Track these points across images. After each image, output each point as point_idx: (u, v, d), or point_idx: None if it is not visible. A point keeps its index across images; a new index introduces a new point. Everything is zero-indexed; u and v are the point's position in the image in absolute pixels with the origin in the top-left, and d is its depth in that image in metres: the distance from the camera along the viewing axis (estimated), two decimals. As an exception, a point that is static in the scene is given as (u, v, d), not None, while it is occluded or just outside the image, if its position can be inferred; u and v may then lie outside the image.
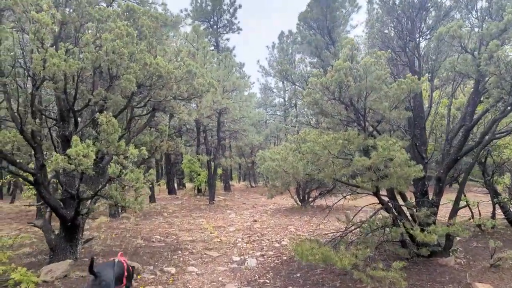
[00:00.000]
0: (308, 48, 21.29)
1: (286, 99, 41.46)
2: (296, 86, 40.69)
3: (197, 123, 25.98)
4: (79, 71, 7.24)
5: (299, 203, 17.85)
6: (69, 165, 6.28)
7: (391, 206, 7.67)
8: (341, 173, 6.44)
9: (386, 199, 7.94)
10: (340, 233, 8.13)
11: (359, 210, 8.46)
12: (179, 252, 9.85)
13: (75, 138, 6.41)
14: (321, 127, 8.41)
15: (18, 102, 7.20)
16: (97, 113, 7.15)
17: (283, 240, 10.96)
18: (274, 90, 42.75)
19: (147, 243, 10.79)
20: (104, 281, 5.26)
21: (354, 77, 6.51)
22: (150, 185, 19.33)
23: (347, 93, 6.69)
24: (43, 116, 8.60)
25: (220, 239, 11.31)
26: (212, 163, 24.32)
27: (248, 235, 11.84)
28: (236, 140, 25.28)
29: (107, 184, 7.24)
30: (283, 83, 41.54)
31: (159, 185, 32.82)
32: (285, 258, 9.03)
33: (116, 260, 5.85)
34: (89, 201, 8.10)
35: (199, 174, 25.48)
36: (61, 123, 8.56)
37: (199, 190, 27.18)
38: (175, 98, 9.50)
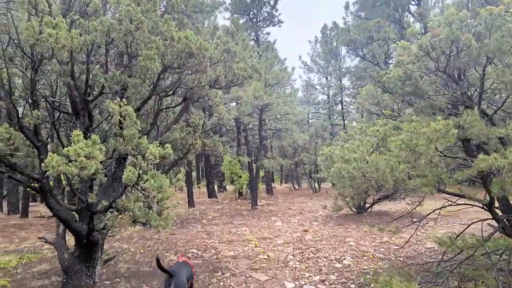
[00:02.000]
0: (383, 10, 18.61)
1: (330, 96, 39.09)
2: (342, 82, 38.40)
3: (236, 122, 24.34)
4: (88, 46, 5.61)
5: (355, 209, 15.68)
6: (69, 168, 4.63)
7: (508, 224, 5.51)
8: (450, 179, 4.40)
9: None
10: (434, 260, 6.02)
11: (467, 227, 6.33)
12: (219, 272, 8.08)
13: (76, 133, 4.75)
14: (407, 115, 6.34)
15: (11, 88, 5.64)
16: (108, 100, 5.47)
17: (344, 259, 8.93)
18: (317, 87, 40.51)
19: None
20: (180, 281, 5.28)
21: (474, 34, 4.43)
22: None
23: (456, 62, 4.64)
24: (52, 108, 7.06)
25: (267, 255, 9.44)
26: (254, 165, 22.57)
27: (300, 250, 9.89)
28: (280, 140, 23.37)
29: (124, 194, 5.56)
30: (326, 79, 39.25)
31: (199, 187, 31.49)
32: (353, 286, 7.02)
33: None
34: (108, 214, 6.48)
35: (240, 177, 23.83)
36: (74, 117, 7.01)
37: (240, 194, 25.52)
38: (211, 86, 7.75)
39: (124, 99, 5.39)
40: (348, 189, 5.57)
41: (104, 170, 5.72)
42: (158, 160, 4.89)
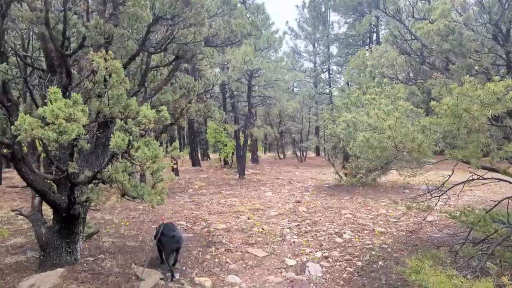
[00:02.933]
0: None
1: (317, 63, 38.19)
2: (330, 49, 37.48)
3: (222, 89, 23.38)
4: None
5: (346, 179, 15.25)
6: (45, 132, 3.84)
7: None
8: (499, 152, 3.80)
9: None
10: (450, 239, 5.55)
11: (498, 203, 5.82)
12: (213, 248, 7.50)
13: (53, 90, 3.93)
14: (431, 78, 5.65)
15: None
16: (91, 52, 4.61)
17: (344, 233, 8.46)
18: (304, 54, 39.44)
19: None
20: (178, 237, 6.12)
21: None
22: (174, 163, 17.05)
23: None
24: (24, 64, 6.13)
25: (262, 228, 8.91)
26: (241, 133, 21.88)
27: (296, 223, 9.39)
28: (269, 107, 22.58)
29: (111, 164, 4.81)
30: (313, 46, 38.22)
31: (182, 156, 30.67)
32: (360, 264, 6.53)
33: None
34: (92, 186, 5.72)
35: (226, 145, 23.13)
36: (49, 74, 6.09)
37: (225, 162, 24.91)
38: (207, 43, 6.89)
39: (110, 52, 4.55)
40: (369, 161, 4.93)
41: (86, 135, 4.92)
42: (153, 125, 4.13)
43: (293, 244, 7.76)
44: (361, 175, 6.77)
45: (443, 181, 7.22)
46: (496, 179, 5.19)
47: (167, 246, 6.13)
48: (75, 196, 5.60)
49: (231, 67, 17.21)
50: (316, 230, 8.69)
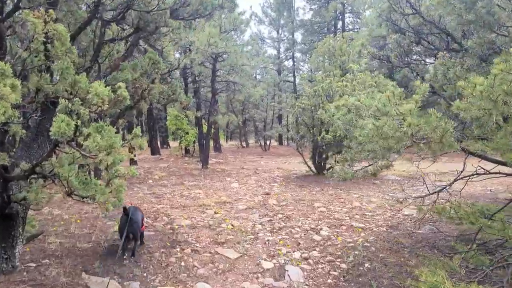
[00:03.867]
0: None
1: (281, 50, 37.50)
2: (294, 36, 36.86)
3: (183, 73, 22.18)
4: None
5: (315, 169, 14.72)
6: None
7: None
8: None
9: None
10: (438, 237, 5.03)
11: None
12: (178, 248, 6.65)
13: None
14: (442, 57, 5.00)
15: None
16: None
17: (321, 229, 7.84)
18: (268, 41, 38.62)
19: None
20: (135, 222, 5.99)
21: None
22: (135, 155, 15.85)
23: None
24: None
25: (232, 225, 8.13)
26: (203, 120, 20.91)
27: (268, 218, 8.68)
28: (234, 93, 21.65)
29: (54, 155, 3.83)
30: (277, 32, 37.46)
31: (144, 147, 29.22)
32: (344, 266, 5.91)
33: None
34: (30, 182, 4.69)
35: (187, 133, 22.06)
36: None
37: (187, 151, 23.87)
38: (172, 14, 5.94)
39: (51, 12, 3.55)
40: (369, 152, 4.23)
41: (21, 118, 3.92)
42: (107, 107, 3.21)
43: (267, 243, 7.04)
44: (353, 167, 6.09)
45: (442, 174, 6.69)
46: (503, 174, 4.67)
47: (121, 225, 6.01)
48: (11, 193, 4.57)
49: (195, 49, 16.12)
50: (291, 226, 8.02)
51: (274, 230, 7.78)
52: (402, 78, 7.07)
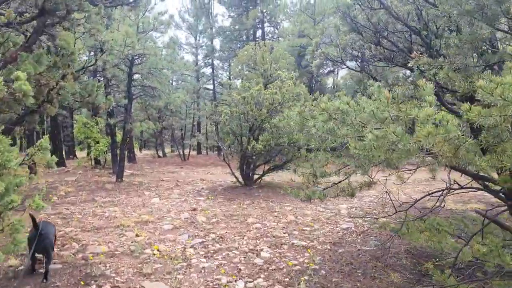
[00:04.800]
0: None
1: (199, 57, 36.46)
2: (213, 43, 36.04)
3: (93, 75, 20.17)
4: None
5: (243, 181, 13.94)
6: None
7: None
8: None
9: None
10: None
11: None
12: (93, 285, 5.37)
13: None
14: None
15: None
16: None
17: (261, 250, 7.04)
18: (185, 47, 37.31)
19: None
20: (47, 237, 5.27)
21: None
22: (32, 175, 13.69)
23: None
24: None
25: (158, 250, 6.98)
26: (116, 128, 19.15)
27: (199, 239, 7.66)
28: (153, 99, 20.10)
29: None
30: (195, 38, 36.41)
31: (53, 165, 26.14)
32: (299, 296, 5.15)
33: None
34: None
35: (98, 142, 20.02)
36: None
37: (97, 162, 21.70)
38: (89, -4, 4.76)
39: None
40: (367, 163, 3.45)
41: None
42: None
43: (203, 271, 6.04)
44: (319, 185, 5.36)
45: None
46: (474, 188, 4.27)
47: (30, 242, 5.09)
48: None
49: (108, 50, 14.51)
50: (227, 248, 7.10)
51: (209, 254, 6.80)
52: (358, 83, 6.71)
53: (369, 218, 9.53)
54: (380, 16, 5.04)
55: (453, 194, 4.59)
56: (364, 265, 6.08)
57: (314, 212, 10.15)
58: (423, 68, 3.84)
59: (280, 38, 33.42)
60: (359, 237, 7.84)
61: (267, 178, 14.75)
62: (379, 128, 2.55)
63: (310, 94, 16.38)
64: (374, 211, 10.30)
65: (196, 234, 8.06)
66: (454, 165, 2.79)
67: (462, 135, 2.37)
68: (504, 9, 3.04)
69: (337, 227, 8.74)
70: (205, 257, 6.67)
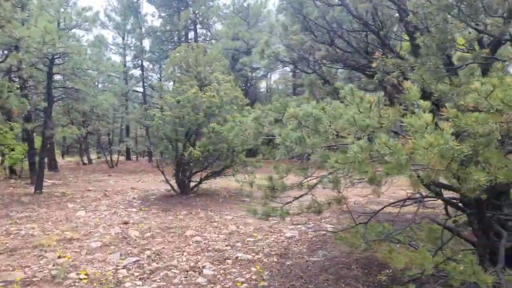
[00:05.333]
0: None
1: (128, 58, 34.71)
2: (143, 44, 34.51)
3: (8, 74, 18.14)
4: None
5: (178, 189, 13.14)
6: None
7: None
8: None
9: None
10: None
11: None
12: (4, 325, 4.47)
13: None
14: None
15: None
16: None
17: (203, 267, 6.43)
18: (112, 47, 35.32)
19: None
20: None
21: None
22: None
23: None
24: None
25: (85, 273, 6.11)
26: (34, 134, 17.39)
27: (133, 257, 6.87)
28: (77, 102, 18.45)
29: None
30: (123, 38, 34.65)
31: None
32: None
33: None
34: None
35: (13, 149, 18.01)
36: None
37: (12, 171, 19.58)
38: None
39: None
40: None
41: None
42: None
43: (139, 296, 5.33)
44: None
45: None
46: (432, 197, 4.06)
47: None
48: None
49: (24, 47, 13.04)
50: (166, 267, 6.40)
51: (145, 276, 6.07)
52: (309, 85, 6.36)
53: (312, 225, 9.33)
54: (336, 14, 4.76)
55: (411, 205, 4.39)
56: (315, 278, 5.74)
57: (256, 221, 9.71)
58: (388, 70, 3.60)
59: (213, 41, 32.86)
60: (305, 246, 7.53)
61: (204, 185, 14.10)
62: (362, 138, 2.17)
63: (246, 98, 16.06)
64: (317, 217, 10.12)
65: (129, 251, 7.25)
66: (434, 180, 2.48)
67: (458, 146, 2.03)
68: (486, 4, 2.83)
69: (281, 236, 8.39)
70: (140, 279, 5.94)
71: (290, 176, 4.74)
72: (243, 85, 28.57)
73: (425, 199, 4.17)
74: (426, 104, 2.15)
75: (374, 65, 3.78)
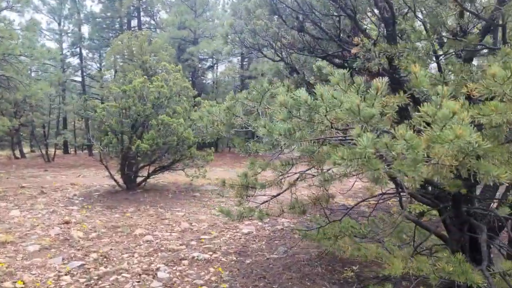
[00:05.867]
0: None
1: (64, 45, 32.49)
2: (81, 30, 32.43)
3: None
4: None
5: (124, 184, 12.37)
6: None
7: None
8: None
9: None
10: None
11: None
12: None
13: None
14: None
15: None
16: None
17: (157, 269, 5.98)
18: (46, 33, 32.85)
19: None
20: None
21: None
22: None
23: None
24: None
25: (22, 282, 5.44)
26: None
27: (78, 261, 6.25)
28: (8, 91, 16.81)
29: None
30: (59, 24, 32.40)
31: None
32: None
33: None
34: None
35: None
36: None
37: None
38: None
39: None
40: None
41: None
42: None
43: (87, 306, 4.81)
44: None
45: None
46: (403, 192, 3.94)
47: None
48: None
49: None
50: (115, 271, 5.87)
51: (93, 282, 5.51)
52: (275, 75, 6.02)
53: (268, 219, 9.11)
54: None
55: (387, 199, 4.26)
56: (278, 277, 5.51)
57: (209, 217, 9.36)
58: (369, 56, 3.39)
59: (158, 30, 31.63)
60: (264, 243, 7.30)
61: (152, 180, 13.42)
62: (364, 130, 1.91)
63: (194, 89, 15.54)
64: (271, 210, 9.92)
65: (72, 255, 6.60)
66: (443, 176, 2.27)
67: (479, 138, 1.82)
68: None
69: (237, 232, 8.09)
70: (87, 285, 5.38)
71: (267, 173, 4.43)
72: (190, 76, 27.77)
73: (402, 194, 4.06)
74: (446, 90, 1.91)
75: (354, 51, 3.56)
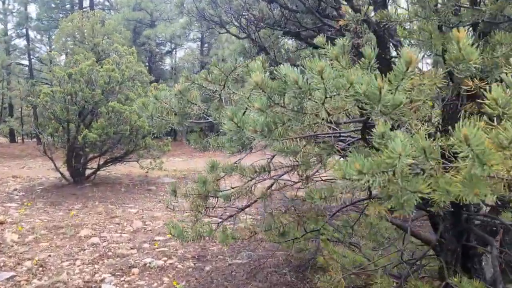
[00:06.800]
0: None
1: (9, 26, 30.06)
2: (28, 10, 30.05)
3: None
4: None
5: (71, 177, 11.25)
6: None
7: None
8: None
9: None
10: None
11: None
12: None
13: None
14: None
15: None
16: None
17: (102, 279, 5.18)
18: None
19: None
20: None
21: None
22: None
23: None
24: None
25: None
26: None
27: (8, 272, 5.33)
28: None
29: None
30: (3, 3, 29.95)
31: None
32: None
33: None
34: None
35: None
36: None
37: None
38: None
39: None
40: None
41: None
42: None
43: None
44: None
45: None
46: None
47: None
48: None
49: None
50: (51, 284, 5.02)
51: (23, 298, 4.66)
52: (240, 56, 5.33)
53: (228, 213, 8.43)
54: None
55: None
56: (243, 285, 4.87)
57: (165, 214, 8.57)
58: (360, 30, 2.76)
59: (111, 11, 29.84)
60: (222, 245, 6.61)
61: (103, 172, 12.37)
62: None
63: (150, 75, 14.52)
64: (233, 207, 9.25)
65: (2, 263, 5.66)
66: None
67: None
68: None
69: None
70: (16, 302, 4.53)
71: (233, 178, 3.74)
72: (147, 61, 26.41)
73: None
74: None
75: (341, 22, 2.90)
